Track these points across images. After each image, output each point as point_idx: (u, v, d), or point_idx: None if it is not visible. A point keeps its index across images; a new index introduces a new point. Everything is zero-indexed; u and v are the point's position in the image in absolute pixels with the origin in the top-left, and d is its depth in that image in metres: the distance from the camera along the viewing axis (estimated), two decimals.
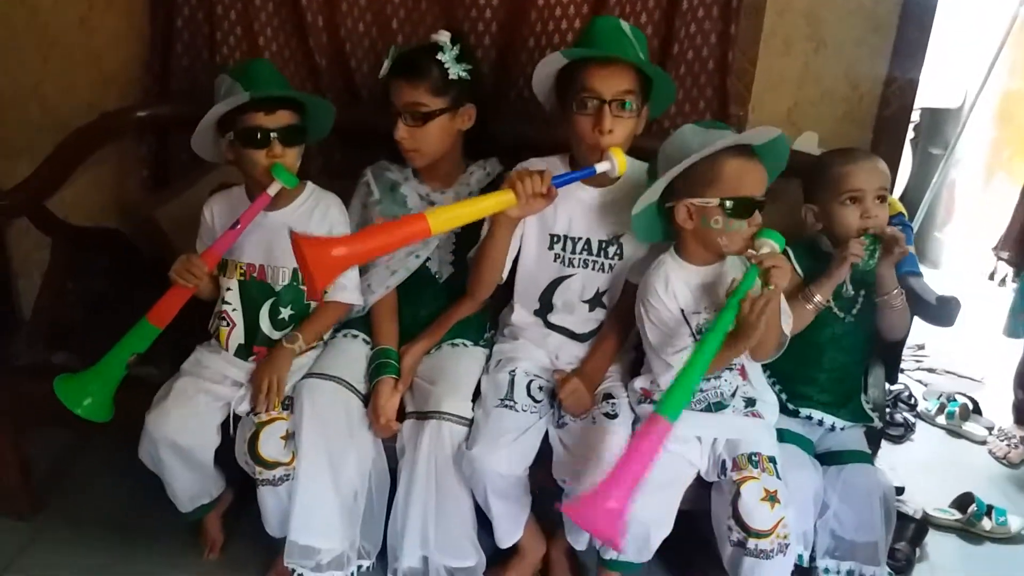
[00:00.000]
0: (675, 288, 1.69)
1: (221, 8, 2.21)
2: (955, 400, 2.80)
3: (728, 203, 1.58)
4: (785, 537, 1.57)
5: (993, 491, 2.39)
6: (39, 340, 2.02)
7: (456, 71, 1.82)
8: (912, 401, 2.85)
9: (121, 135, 2.26)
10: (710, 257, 1.69)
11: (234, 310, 1.85)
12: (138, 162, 2.34)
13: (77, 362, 1.90)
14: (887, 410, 2.67)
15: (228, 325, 1.85)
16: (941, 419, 2.77)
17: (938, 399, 2.82)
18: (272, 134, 1.72)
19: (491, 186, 1.95)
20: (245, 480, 1.81)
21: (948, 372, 3.15)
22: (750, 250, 1.58)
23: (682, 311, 1.69)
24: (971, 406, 2.79)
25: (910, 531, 2.06)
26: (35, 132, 2.39)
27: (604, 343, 1.87)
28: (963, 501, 2.23)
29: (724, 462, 1.66)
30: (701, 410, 1.72)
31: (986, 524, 2.19)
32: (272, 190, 1.74)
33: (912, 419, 2.75)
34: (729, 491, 1.62)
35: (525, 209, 1.68)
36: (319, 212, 1.86)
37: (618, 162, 1.68)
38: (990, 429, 2.72)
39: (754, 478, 1.59)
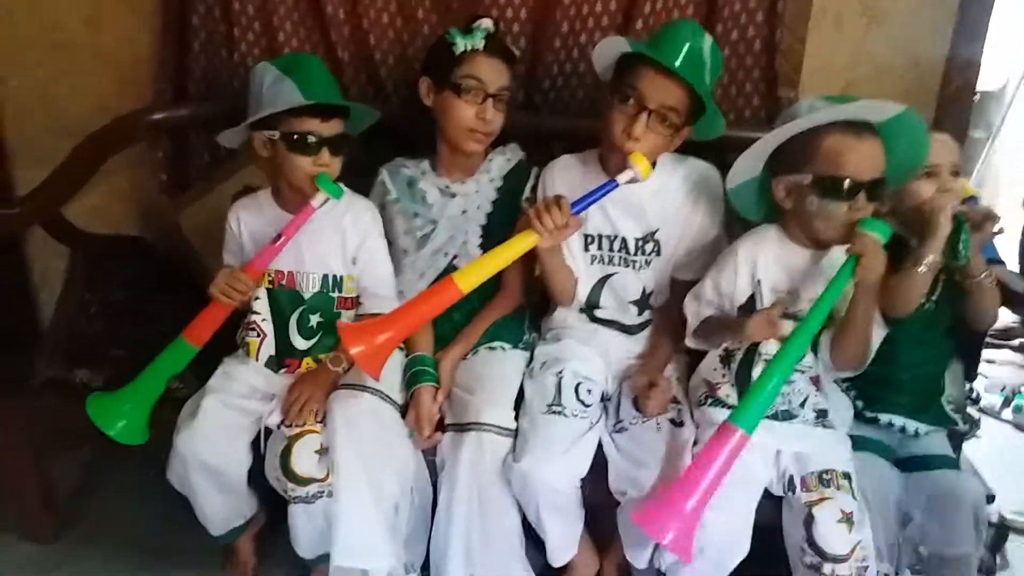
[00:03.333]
0: (760, 259, 1.60)
1: (238, 3, 2.13)
2: (1021, 393, 2.67)
3: (821, 182, 1.47)
4: (864, 560, 1.46)
5: None
6: (58, 356, 1.94)
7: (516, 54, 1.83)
8: (974, 395, 2.70)
9: (138, 139, 2.18)
10: (813, 243, 1.58)
11: (263, 320, 1.77)
12: (156, 166, 2.26)
13: (99, 379, 1.83)
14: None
15: (258, 336, 1.77)
16: (1007, 413, 2.65)
17: (1002, 392, 2.69)
18: (324, 143, 1.64)
19: (513, 173, 1.90)
20: (277, 500, 1.72)
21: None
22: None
23: (759, 282, 1.60)
24: None
25: (989, 537, 1.92)
26: (48, 138, 2.30)
27: (661, 341, 1.79)
28: None
29: (792, 478, 1.54)
30: (767, 417, 1.59)
31: None
32: (316, 202, 1.66)
33: (976, 415, 2.60)
34: (801, 512, 1.50)
35: (554, 240, 1.59)
36: (351, 217, 1.78)
37: (640, 169, 1.58)
38: None
39: (828, 499, 1.48)
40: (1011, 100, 3.89)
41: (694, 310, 1.67)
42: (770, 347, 1.59)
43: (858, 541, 1.45)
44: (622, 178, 1.59)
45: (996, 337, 3.01)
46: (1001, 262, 1.75)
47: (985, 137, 3.98)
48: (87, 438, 1.78)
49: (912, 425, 1.67)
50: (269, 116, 1.63)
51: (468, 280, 1.54)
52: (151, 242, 2.33)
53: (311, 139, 1.64)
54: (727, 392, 1.65)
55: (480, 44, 1.74)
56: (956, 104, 2.03)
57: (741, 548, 1.53)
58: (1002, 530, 1.99)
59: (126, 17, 2.23)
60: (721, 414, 1.61)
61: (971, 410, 2.61)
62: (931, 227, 1.54)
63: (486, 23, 1.78)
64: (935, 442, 1.68)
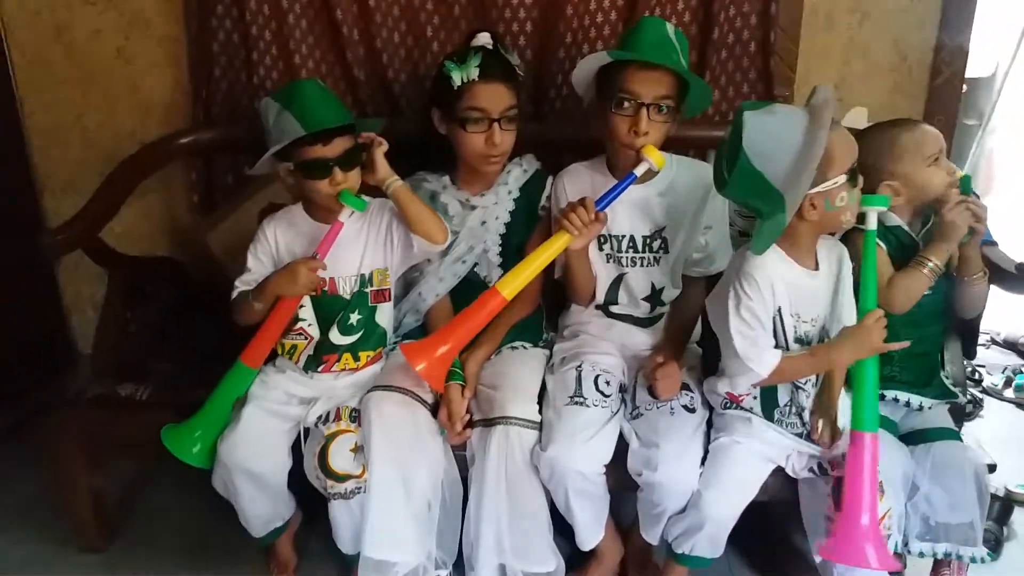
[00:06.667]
0: (776, 284, 1.57)
1: (256, 29, 2.22)
2: (1021, 372, 2.73)
3: (851, 176, 1.51)
4: (888, 528, 1.53)
5: None
6: (105, 372, 2.01)
7: (519, 70, 1.84)
8: (977, 376, 2.78)
9: (167, 163, 2.26)
10: (804, 260, 1.60)
11: (309, 325, 1.83)
12: (186, 188, 2.35)
13: (144, 393, 1.91)
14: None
15: (305, 340, 1.83)
16: (1009, 393, 2.71)
17: (1003, 372, 2.76)
18: (332, 164, 1.71)
19: (530, 183, 1.95)
20: (313, 499, 1.80)
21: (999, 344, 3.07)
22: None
23: (779, 309, 1.59)
24: None
25: (995, 510, 1.99)
26: (78, 167, 2.43)
27: (674, 332, 1.87)
28: None
29: (820, 463, 1.60)
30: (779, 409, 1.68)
31: None
32: (344, 216, 1.73)
33: (979, 395, 2.68)
34: (828, 484, 1.57)
35: (584, 239, 1.70)
36: (376, 212, 1.84)
37: (654, 160, 1.69)
38: None
39: None
40: (1001, 86, 3.93)
41: (755, 356, 1.57)
42: None
43: (888, 508, 1.52)
44: (639, 170, 1.70)
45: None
46: (993, 243, 1.84)
47: (976, 124, 4.03)
48: (132, 450, 1.87)
49: (916, 399, 1.74)
50: (282, 149, 1.69)
51: (510, 286, 1.64)
52: (181, 262, 2.42)
53: (320, 163, 1.69)
54: (750, 404, 1.68)
55: (475, 74, 1.76)
56: (945, 94, 2.12)
57: (734, 519, 1.62)
58: (1008, 503, 2.05)
59: (152, 47, 2.32)
60: (742, 418, 1.67)
61: (975, 391, 2.69)
62: (945, 236, 1.64)
63: (482, 40, 1.81)
64: (938, 415, 1.75)
